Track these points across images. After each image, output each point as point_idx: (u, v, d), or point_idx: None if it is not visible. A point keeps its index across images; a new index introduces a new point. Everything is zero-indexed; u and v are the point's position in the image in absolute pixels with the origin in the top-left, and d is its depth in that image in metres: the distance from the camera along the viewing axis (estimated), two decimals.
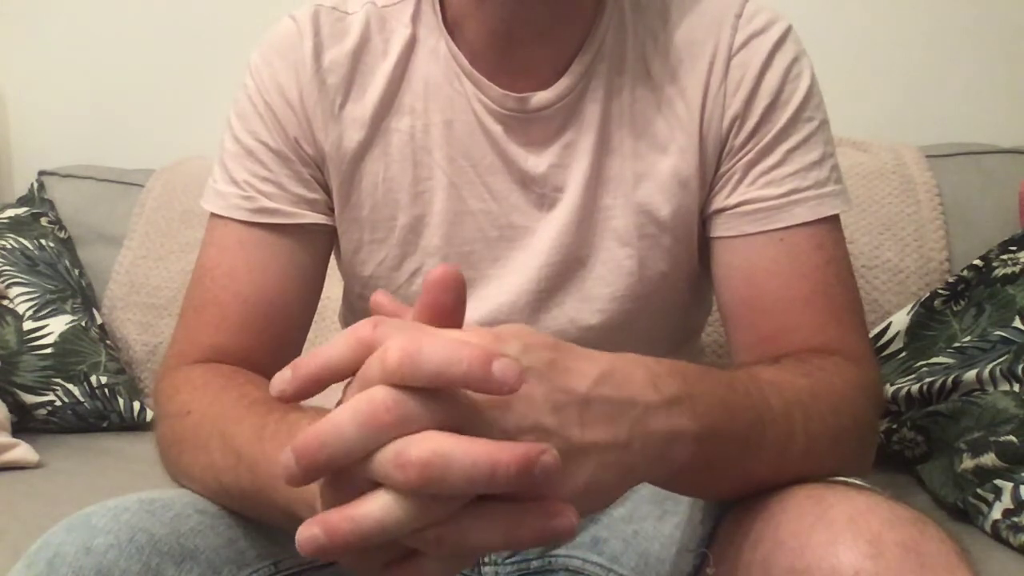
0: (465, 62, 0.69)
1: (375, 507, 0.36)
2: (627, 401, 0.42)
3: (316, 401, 0.44)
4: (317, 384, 0.40)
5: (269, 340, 0.69)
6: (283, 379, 0.40)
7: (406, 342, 0.37)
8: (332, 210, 0.72)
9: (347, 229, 0.72)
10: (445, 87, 0.70)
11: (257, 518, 0.57)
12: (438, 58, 0.70)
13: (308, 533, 0.36)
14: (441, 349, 0.36)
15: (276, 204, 0.69)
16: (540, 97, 0.69)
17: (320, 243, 0.72)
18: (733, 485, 0.50)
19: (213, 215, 0.71)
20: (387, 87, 0.70)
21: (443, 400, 0.37)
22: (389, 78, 0.70)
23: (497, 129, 0.70)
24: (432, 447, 0.35)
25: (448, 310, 0.42)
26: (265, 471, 0.50)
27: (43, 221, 1.43)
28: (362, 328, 0.40)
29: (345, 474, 0.38)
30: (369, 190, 0.71)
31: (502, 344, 0.39)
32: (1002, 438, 0.84)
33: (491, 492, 0.36)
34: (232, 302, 0.68)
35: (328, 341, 0.40)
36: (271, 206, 0.69)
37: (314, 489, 0.42)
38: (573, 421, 0.40)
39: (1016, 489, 0.81)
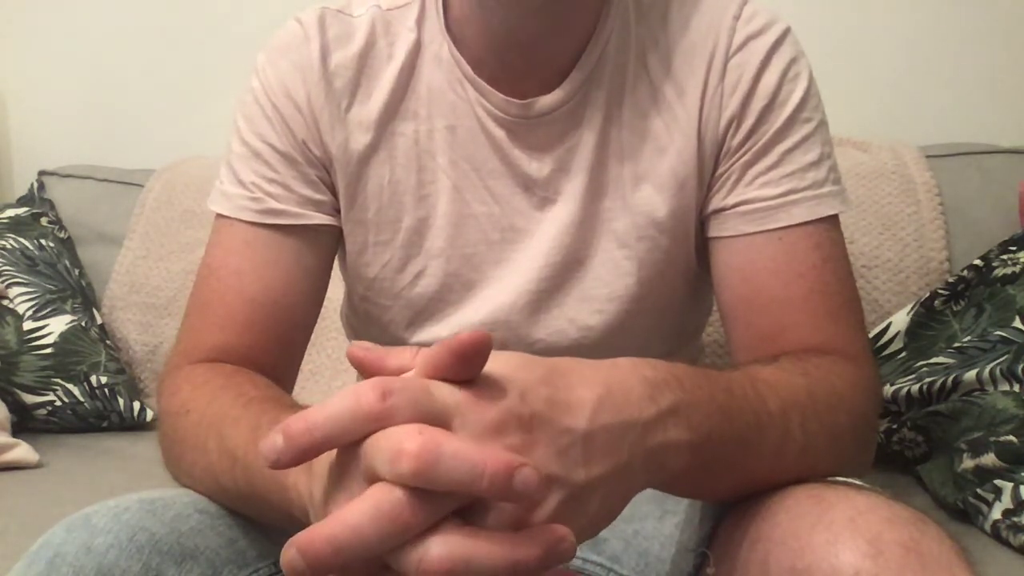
0: (468, 68, 0.69)
1: None
2: (626, 424, 0.42)
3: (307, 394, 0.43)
4: (314, 453, 0.38)
5: (273, 340, 0.69)
6: (274, 447, 0.37)
7: (422, 449, 0.36)
8: (338, 211, 0.72)
9: (352, 230, 0.72)
10: (448, 93, 0.70)
11: (257, 518, 0.57)
12: (441, 63, 0.70)
13: None
14: (462, 463, 0.36)
15: (283, 205, 0.69)
16: (543, 102, 0.69)
17: (326, 244, 0.72)
18: (731, 486, 0.50)
19: (219, 216, 0.71)
20: (392, 92, 0.70)
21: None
22: (394, 83, 0.70)
23: (500, 134, 0.70)
24: (449, 552, 0.36)
25: (466, 373, 0.40)
26: (259, 473, 0.50)
27: (43, 221, 1.43)
28: (367, 397, 0.37)
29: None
30: (375, 192, 0.71)
31: (501, 395, 0.39)
32: (1002, 438, 0.84)
33: None
34: (237, 301, 0.68)
35: (325, 400, 0.38)
36: (278, 207, 0.69)
37: (309, 491, 0.42)
38: (578, 462, 0.40)
39: (1016, 489, 0.82)
